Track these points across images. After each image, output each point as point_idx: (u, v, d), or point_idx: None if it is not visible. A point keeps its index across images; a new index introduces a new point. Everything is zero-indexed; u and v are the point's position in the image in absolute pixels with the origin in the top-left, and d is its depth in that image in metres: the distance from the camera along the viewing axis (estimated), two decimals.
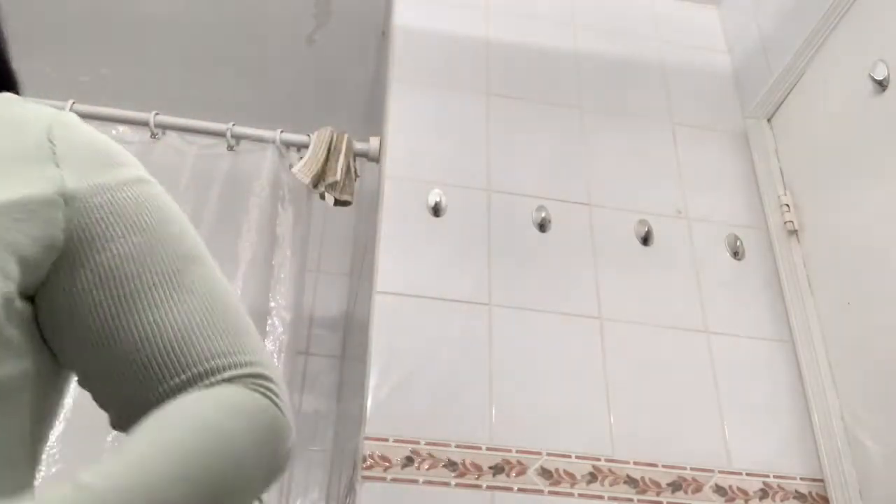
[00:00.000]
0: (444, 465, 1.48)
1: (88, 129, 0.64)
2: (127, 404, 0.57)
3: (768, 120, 1.98)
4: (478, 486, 1.48)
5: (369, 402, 1.52)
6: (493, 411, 1.55)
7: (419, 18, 2.04)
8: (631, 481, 1.53)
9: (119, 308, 0.56)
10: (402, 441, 1.49)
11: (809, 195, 1.82)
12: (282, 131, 1.94)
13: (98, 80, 2.53)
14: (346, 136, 1.92)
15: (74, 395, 1.53)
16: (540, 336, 1.66)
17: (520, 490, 1.49)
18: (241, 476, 0.55)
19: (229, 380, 0.57)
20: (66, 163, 0.58)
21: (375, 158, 1.91)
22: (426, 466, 1.47)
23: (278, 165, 1.90)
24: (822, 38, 1.80)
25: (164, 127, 1.89)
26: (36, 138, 0.58)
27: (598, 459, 1.54)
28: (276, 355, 1.71)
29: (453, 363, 1.59)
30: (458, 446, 1.50)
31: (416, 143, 1.85)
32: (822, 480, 1.59)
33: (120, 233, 0.58)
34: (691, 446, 1.59)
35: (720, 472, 1.58)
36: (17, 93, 0.69)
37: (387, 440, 1.48)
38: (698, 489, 1.55)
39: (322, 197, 1.88)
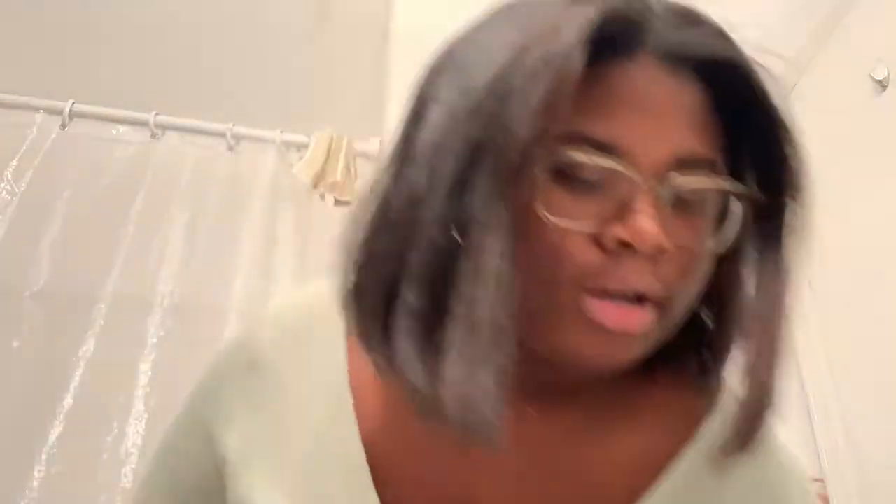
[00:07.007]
0: None
1: None
2: None
3: None
4: None
5: None
6: None
7: (419, 18, 2.04)
8: None
9: None
10: None
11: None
12: (282, 131, 1.94)
13: (98, 80, 2.53)
14: (346, 137, 1.92)
15: (74, 394, 1.54)
16: None
17: None
18: None
19: None
20: None
21: (375, 158, 1.91)
22: None
23: (278, 165, 1.90)
24: (822, 38, 1.80)
25: (164, 127, 1.89)
26: None
27: None
28: None
29: None
30: None
31: None
32: (822, 480, 1.59)
33: None
34: None
35: None
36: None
37: None
38: None
39: (322, 197, 1.88)
